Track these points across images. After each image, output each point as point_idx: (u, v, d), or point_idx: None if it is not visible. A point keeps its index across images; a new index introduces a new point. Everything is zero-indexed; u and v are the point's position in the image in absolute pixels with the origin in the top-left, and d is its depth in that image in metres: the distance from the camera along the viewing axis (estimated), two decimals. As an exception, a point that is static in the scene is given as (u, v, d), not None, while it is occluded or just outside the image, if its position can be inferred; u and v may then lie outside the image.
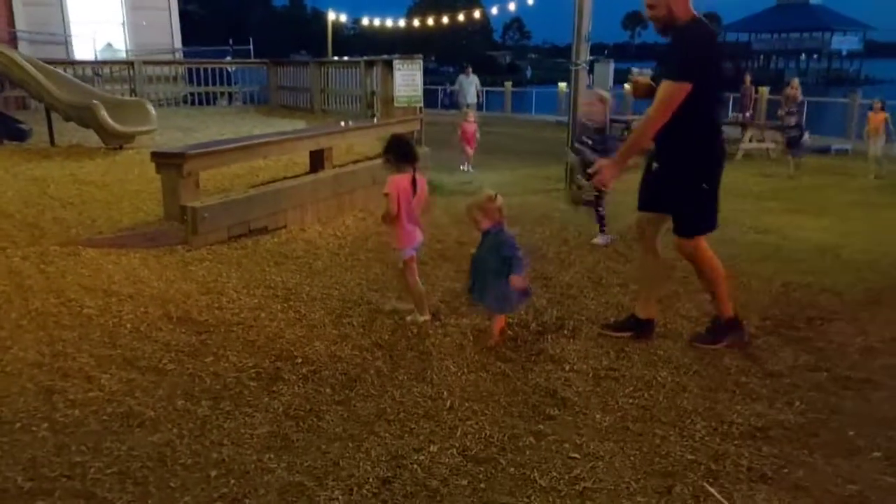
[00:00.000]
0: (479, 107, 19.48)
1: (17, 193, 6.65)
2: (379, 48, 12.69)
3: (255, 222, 6.33)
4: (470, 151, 12.28)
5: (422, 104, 9.89)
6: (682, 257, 4.19)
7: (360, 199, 7.88)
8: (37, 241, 5.31)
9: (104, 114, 8.76)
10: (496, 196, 4.13)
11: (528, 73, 75.81)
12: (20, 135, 10.08)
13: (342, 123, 8.14)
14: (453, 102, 20.26)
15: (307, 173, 7.48)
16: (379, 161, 8.81)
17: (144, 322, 4.27)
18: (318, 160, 7.36)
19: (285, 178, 7.39)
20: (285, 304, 4.75)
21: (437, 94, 26.13)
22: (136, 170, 8.00)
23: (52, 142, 9.57)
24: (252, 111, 15.41)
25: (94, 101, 8.83)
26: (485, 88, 22.00)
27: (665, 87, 3.79)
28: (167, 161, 5.64)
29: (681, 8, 3.86)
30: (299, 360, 3.88)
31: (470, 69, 18.03)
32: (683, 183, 3.99)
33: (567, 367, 3.91)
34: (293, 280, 5.33)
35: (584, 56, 9.79)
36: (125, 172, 7.83)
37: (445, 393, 3.57)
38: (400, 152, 4.47)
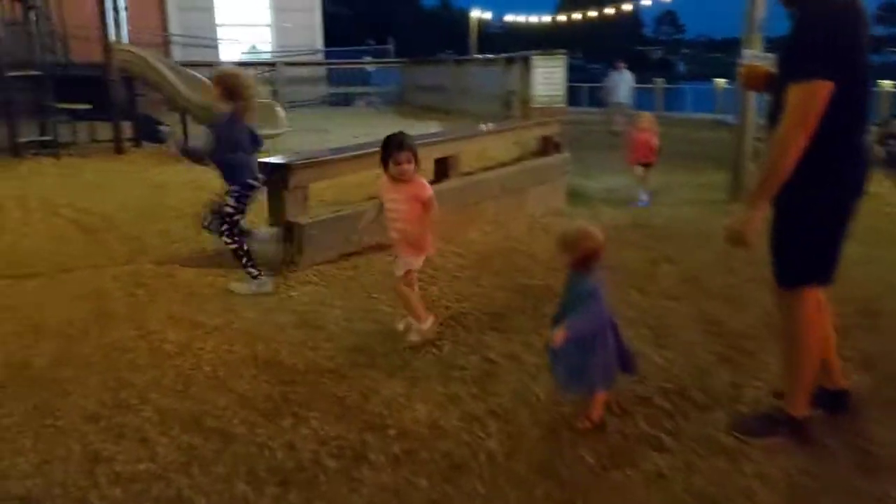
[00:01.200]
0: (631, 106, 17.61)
1: (135, 201, 6.42)
2: (524, 46, 11.85)
3: (368, 238, 5.66)
4: (642, 172, 8.80)
5: (564, 104, 8.88)
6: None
7: (488, 210, 7.05)
8: (135, 258, 4.94)
9: (232, 117, 8.52)
10: (590, 231, 3.09)
11: (681, 68, 71.90)
12: (159, 136, 10.17)
13: (482, 127, 7.34)
14: (601, 100, 18.48)
15: (432, 182, 6.72)
16: (512, 168, 8.05)
17: (225, 364, 3.67)
18: (443, 168, 6.60)
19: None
20: (387, 346, 4.00)
21: (582, 92, 24.76)
22: (258, 176, 7.66)
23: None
24: (389, 111, 15.09)
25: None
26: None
27: (795, 93, 2.62)
28: (271, 173, 5.08)
29: None
30: (392, 433, 3.10)
31: (623, 65, 16.33)
32: (792, 213, 2.83)
33: (748, 468, 2.85)
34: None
35: (758, 48, 8.36)
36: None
37: (579, 501, 2.65)
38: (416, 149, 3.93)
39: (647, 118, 9.01)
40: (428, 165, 7.22)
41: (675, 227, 7.29)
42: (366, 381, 3.58)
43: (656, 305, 4.85)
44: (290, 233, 5.13)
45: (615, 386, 3.26)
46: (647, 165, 8.73)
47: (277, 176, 5.11)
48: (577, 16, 25.56)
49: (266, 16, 16.48)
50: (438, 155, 6.49)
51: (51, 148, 8.40)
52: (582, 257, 3.02)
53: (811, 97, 2.59)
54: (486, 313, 4.58)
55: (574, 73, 16.88)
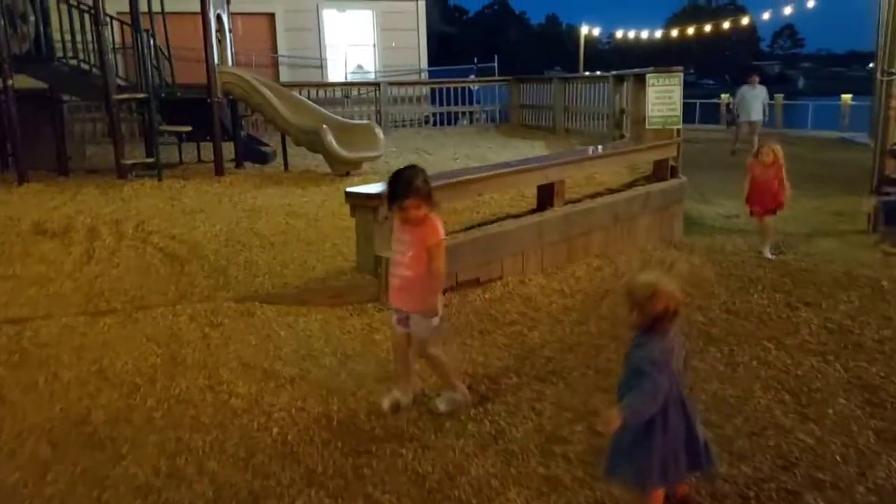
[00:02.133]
0: (766, 123, 15.59)
1: (225, 227, 6.21)
2: (634, 62, 11.14)
3: (463, 273, 5.17)
4: (770, 221, 6.79)
5: (680, 125, 8.10)
6: None
7: (596, 242, 6.41)
8: (216, 293, 4.65)
9: (330, 139, 8.31)
10: (664, 286, 2.42)
11: (800, 83, 67.83)
12: (262, 157, 10.14)
13: (590, 150, 6.71)
14: (733, 120, 16.65)
15: (533, 211, 6.17)
16: (622, 195, 7.33)
17: (296, 425, 3.25)
18: (546, 196, 6.03)
19: (508, 216, 6.16)
20: (479, 409, 3.47)
21: (695, 109, 23.38)
22: (352, 202, 7.35)
23: (285, 167, 9.43)
24: (492, 130, 14.64)
25: (322, 126, 8.43)
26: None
27: None
28: (361, 202, 4.69)
29: None
30: (480, 532, 2.56)
31: (757, 78, 14.51)
32: None
33: None
34: (497, 363, 4.05)
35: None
36: (341, 204, 7.17)
37: None
38: (429, 184, 3.27)
39: (772, 151, 6.61)
40: (530, 192, 6.68)
41: (811, 264, 6.39)
42: (453, 453, 3.07)
43: (797, 363, 4.09)
44: (378, 267, 4.71)
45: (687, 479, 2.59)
46: (773, 212, 6.79)
47: (366, 206, 4.71)
48: (689, 30, 24.27)
49: (371, 36, 16.47)
50: (541, 181, 5.93)
51: (154, 170, 8.44)
52: (652, 319, 2.38)
53: None
54: (595, 369, 3.97)
55: (687, 89, 15.85)
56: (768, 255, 6.57)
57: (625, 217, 6.71)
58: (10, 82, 8.35)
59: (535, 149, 11.20)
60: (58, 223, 6.37)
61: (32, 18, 8.93)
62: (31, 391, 3.42)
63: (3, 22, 8.18)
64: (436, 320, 3.34)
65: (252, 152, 10.11)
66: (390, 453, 3.06)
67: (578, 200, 6.60)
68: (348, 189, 4.87)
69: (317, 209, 7.01)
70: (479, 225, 5.73)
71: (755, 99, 14.21)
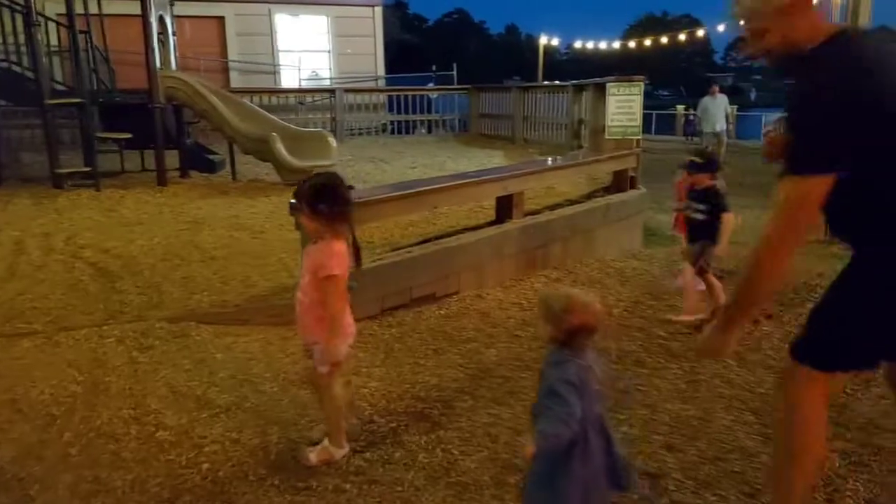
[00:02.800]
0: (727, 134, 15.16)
1: (164, 240, 5.86)
2: (591, 72, 11.07)
3: (418, 289, 4.93)
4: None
5: (640, 136, 8.01)
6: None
7: (554, 255, 6.23)
8: (148, 313, 4.31)
9: (280, 147, 8.00)
10: (581, 300, 2.20)
11: (753, 95, 69.44)
12: (209, 166, 9.74)
13: (549, 161, 6.53)
14: (694, 131, 16.39)
15: (491, 223, 5.96)
16: (582, 207, 7.18)
17: (229, 461, 2.95)
18: (505, 207, 5.82)
19: (465, 228, 5.94)
20: (431, 437, 3.22)
21: (651, 119, 23.59)
22: (302, 212, 7.04)
23: (233, 176, 9.07)
24: (451, 140, 14.46)
25: (272, 134, 8.11)
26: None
27: (784, 188, 2.00)
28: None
29: (803, 25, 2.05)
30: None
31: (717, 88, 14.35)
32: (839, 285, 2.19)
33: None
34: (452, 384, 3.81)
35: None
36: (289, 217, 6.87)
37: None
38: (337, 201, 2.74)
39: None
40: (489, 203, 6.48)
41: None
42: (401, 488, 2.81)
43: (759, 380, 3.93)
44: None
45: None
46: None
47: (312, 219, 4.42)
48: (646, 42, 24.49)
49: (326, 42, 16.14)
50: (500, 192, 5.72)
51: (92, 179, 8.01)
52: (567, 334, 2.17)
53: (804, 195, 1.98)
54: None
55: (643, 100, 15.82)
56: (678, 281, 5.30)
57: (584, 228, 6.56)
58: (-66, 86, 7.85)
59: (493, 159, 11.04)
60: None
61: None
62: (-71, 427, 3.05)
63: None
64: (335, 351, 2.81)
65: (199, 161, 9.71)
66: (332, 489, 2.79)
67: (538, 212, 6.42)
68: (292, 200, 4.57)
69: (263, 221, 6.70)
70: (436, 238, 5.49)
71: (717, 109, 14.14)
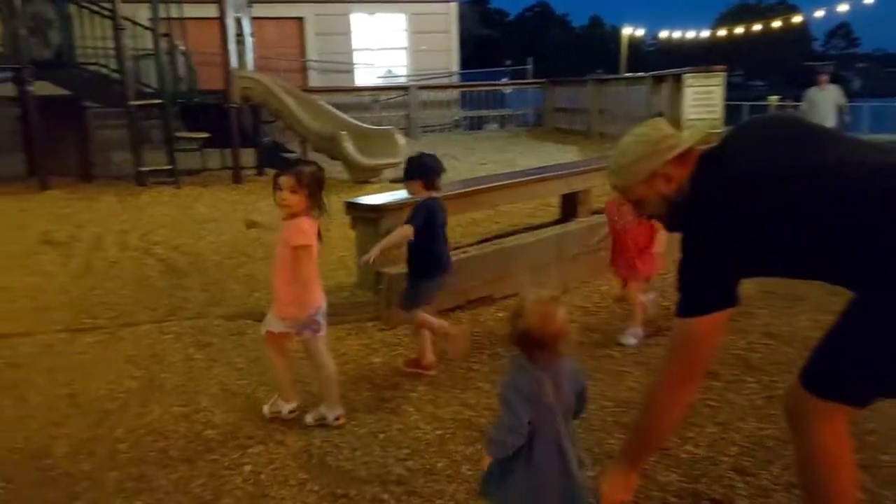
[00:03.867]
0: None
1: (232, 238, 5.99)
2: (678, 64, 10.51)
3: (474, 290, 4.81)
4: (635, 292, 4.43)
5: (720, 129, 7.60)
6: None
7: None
8: (208, 310, 4.38)
9: (348, 145, 8.05)
10: (539, 306, 2.02)
11: (856, 84, 65.62)
12: (284, 164, 9.90)
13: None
14: None
15: (556, 222, 5.79)
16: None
17: (271, 464, 2.93)
18: (570, 206, 5.63)
19: (529, 227, 5.79)
20: (475, 447, 3.09)
21: (742, 112, 22.51)
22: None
23: (305, 174, 9.21)
24: (524, 135, 14.26)
25: (340, 132, 8.18)
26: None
27: (674, 327, 2.09)
28: (361, 214, 4.38)
29: (674, 178, 2.05)
30: None
31: (826, 77, 12.13)
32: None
33: None
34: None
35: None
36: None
37: None
38: (319, 187, 3.11)
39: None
40: (553, 200, 6.30)
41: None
42: (441, 502, 2.71)
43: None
44: (379, 284, 4.39)
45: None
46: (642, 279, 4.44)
47: (366, 218, 4.39)
48: (738, 30, 23.44)
49: (402, 39, 16.22)
50: (564, 190, 5.54)
51: (172, 177, 8.30)
52: (517, 339, 2.02)
53: (690, 334, 2.02)
54: (615, 400, 3.55)
55: (734, 91, 14.90)
56: (629, 340, 4.27)
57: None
58: (30, 88, 8.31)
59: (566, 154, 10.80)
60: (65, 232, 6.23)
61: (56, 25, 8.91)
62: (-7, 417, 3.18)
63: (22, 29, 8.14)
64: (275, 321, 3.15)
65: (274, 159, 9.90)
66: (371, 498, 2.72)
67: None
68: (348, 200, 4.56)
69: (329, 219, 6.74)
70: (495, 237, 5.36)
71: (826, 101, 12.08)
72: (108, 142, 10.58)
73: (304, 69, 15.24)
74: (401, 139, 8.70)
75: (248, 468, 2.90)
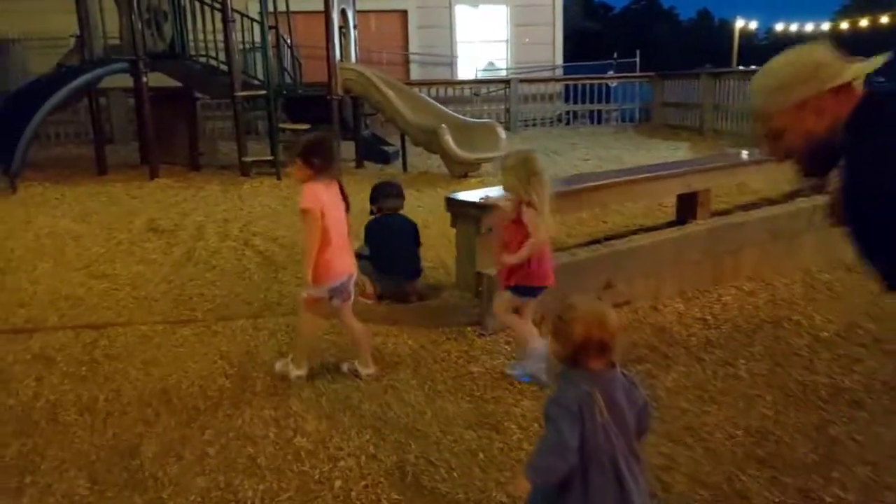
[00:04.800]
0: None
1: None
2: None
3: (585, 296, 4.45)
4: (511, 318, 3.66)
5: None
6: None
7: (748, 262, 5.42)
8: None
9: (448, 138, 7.83)
10: (592, 310, 1.88)
11: None
12: (383, 157, 9.85)
13: (743, 154, 5.73)
14: None
15: (671, 223, 5.33)
16: (783, 208, 6.25)
17: (363, 480, 2.71)
18: (688, 206, 5.17)
19: (640, 228, 5.37)
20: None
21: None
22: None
23: (404, 167, 9.07)
24: (630, 131, 13.65)
25: (441, 125, 7.96)
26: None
27: None
28: (462, 211, 4.11)
29: (827, 112, 1.72)
30: None
31: None
32: None
33: None
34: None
35: None
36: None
37: None
38: (317, 153, 3.18)
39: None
40: (669, 201, 5.83)
41: None
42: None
43: None
44: (479, 286, 4.11)
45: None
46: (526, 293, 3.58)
47: (468, 215, 4.12)
48: (862, 22, 21.69)
49: (504, 31, 15.88)
50: (682, 189, 5.08)
51: (274, 168, 8.34)
52: (571, 349, 1.83)
53: None
54: (745, 429, 3.14)
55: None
56: (512, 371, 3.58)
57: (786, 233, 5.67)
58: (144, 80, 8.54)
59: (678, 151, 10.18)
60: (170, 221, 6.30)
61: (170, 18, 9.14)
62: (87, 411, 3.12)
63: (137, 20, 8.37)
64: (304, 293, 3.28)
65: (373, 152, 9.84)
66: (470, 523, 2.46)
67: (727, 212, 5.66)
68: (449, 195, 4.31)
69: (427, 214, 6.52)
70: (605, 239, 4.98)
71: None
72: (216, 132, 10.84)
73: (406, 62, 15.18)
74: (502, 132, 8.40)
75: (338, 483, 2.69)
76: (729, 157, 6.27)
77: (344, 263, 3.28)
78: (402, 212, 4.74)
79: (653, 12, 73.92)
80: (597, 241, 4.95)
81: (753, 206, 6.05)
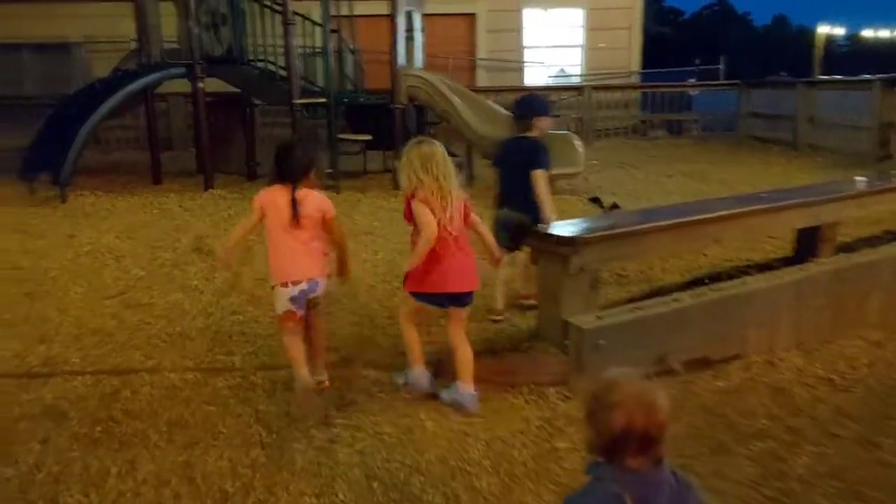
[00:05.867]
0: None
1: (389, 256, 5.31)
2: (883, 67, 8.89)
3: (685, 351, 3.73)
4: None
5: None
6: None
7: (873, 307, 4.59)
8: (354, 350, 3.64)
9: (521, 152, 7.17)
10: (632, 389, 1.50)
11: None
12: (449, 170, 9.26)
13: (859, 181, 4.88)
14: None
15: (786, 259, 4.55)
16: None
17: None
18: (809, 242, 4.37)
19: (750, 265, 4.60)
20: None
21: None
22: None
23: (470, 181, 8.44)
24: (713, 142, 12.70)
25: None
26: None
27: None
28: (546, 246, 3.45)
29: None
30: None
31: None
32: None
33: None
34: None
35: None
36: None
37: None
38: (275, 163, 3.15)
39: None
40: (783, 234, 5.03)
41: None
42: None
43: None
44: (565, 338, 3.44)
45: None
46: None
47: (553, 252, 3.46)
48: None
49: (578, 36, 15.09)
50: (807, 222, 4.29)
51: (333, 180, 7.84)
52: (607, 440, 1.46)
53: None
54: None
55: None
56: (400, 380, 3.34)
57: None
58: (201, 85, 8.19)
59: (770, 168, 9.27)
60: (218, 239, 5.84)
61: (229, 21, 8.78)
62: (94, 489, 2.58)
63: (196, 24, 8.02)
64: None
65: (439, 163, 9.26)
66: None
67: (849, 247, 4.83)
68: (534, 227, 3.65)
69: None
70: (708, 278, 4.24)
71: None
72: (273, 140, 10.45)
73: (472, 68, 14.57)
74: (579, 145, 7.69)
75: None
76: (849, 185, 5.40)
77: (281, 270, 3.13)
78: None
79: (725, 17, 71.39)
80: (700, 281, 4.22)
81: (877, 239, 5.21)
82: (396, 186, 7.99)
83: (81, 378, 3.27)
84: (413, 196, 3.07)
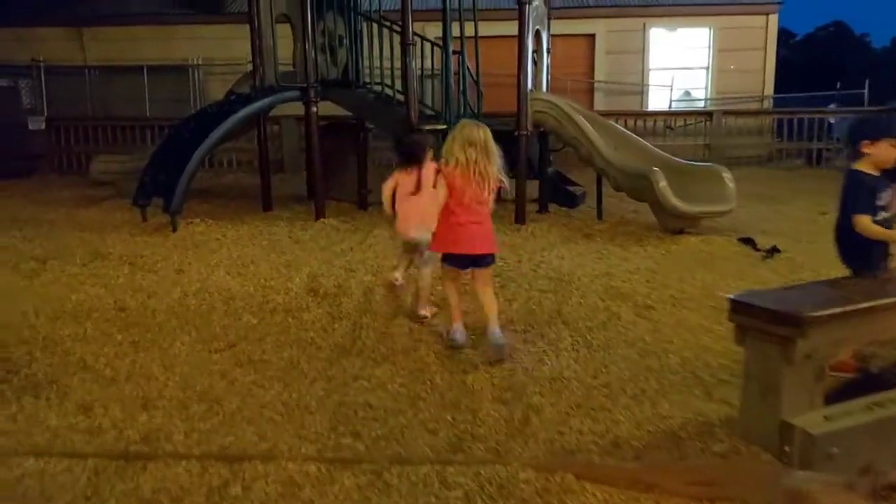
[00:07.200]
0: None
1: (524, 305, 4.61)
2: None
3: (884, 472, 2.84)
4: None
5: None
6: None
7: None
8: (506, 442, 2.95)
9: (664, 185, 6.38)
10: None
11: None
12: (570, 200, 8.56)
13: None
14: None
15: None
16: None
17: None
18: None
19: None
20: None
21: None
22: (699, 277, 5.30)
23: (598, 215, 7.70)
24: (859, 174, 11.36)
25: (653, 169, 6.53)
26: None
27: None
28: (757, 324, 2.68)
29: None
30: None
31: None
32: None
33: None
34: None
35: None
36: (678, 282, 5.17)
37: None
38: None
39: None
40: None
41: None
42: None
43: None
44: (785, 444, 2.64)
45: None
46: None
47: (768, 332, 2.67)
48: None
49: (705, 57, 14.05)
50: None
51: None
52: None
53: None
54: None
55: None
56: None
57: None
58: (314, 109, 7.84)
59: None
60: (333, 279, 5.34)
61: (346, 42, 8.43)
62: None
63: (312, 47, 7.68)
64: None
65: (558, 193, 8.57)
66: None
67: None
68: (735, 297, 2.87)
69: (645, 286, 5.11)
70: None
71: None
72: (388, 167, 10.02)
73: (590, 90, 13.81)
74: (730, 179, 6.79)
75: None
76: None
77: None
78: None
79: (842, 39, 67.07)
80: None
81: None
82: (518, 220, 7.35)
83: (185, 463, 2.74)
84: (443, 167, 3.78)
